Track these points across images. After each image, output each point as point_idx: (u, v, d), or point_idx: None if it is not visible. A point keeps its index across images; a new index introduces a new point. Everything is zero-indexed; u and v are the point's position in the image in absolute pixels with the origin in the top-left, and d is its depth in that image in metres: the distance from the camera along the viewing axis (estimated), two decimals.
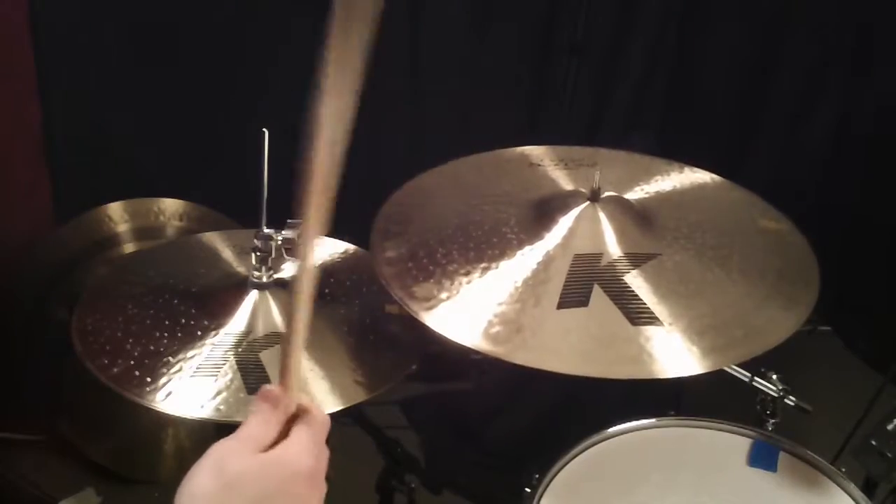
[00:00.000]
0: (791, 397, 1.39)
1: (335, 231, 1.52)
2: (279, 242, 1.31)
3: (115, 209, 2.07)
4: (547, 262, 1.29)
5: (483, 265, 1.29)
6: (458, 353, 1.18)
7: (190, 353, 1.25)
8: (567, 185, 1.48)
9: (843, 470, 1.29)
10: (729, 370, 1.39)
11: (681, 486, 1.27)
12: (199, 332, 1.28)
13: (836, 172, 2.59)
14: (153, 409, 1.17)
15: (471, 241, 1.33)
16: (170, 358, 1.24)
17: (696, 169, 1.55)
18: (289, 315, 0.73)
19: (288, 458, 0.69)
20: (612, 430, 1.34)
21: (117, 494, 2.04)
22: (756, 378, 1.40)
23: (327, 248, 1.50)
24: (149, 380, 1.20)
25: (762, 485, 1.28)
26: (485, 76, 2.38)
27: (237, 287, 1.35)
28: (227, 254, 1.47)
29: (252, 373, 1.22)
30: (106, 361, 1.23)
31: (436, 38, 2.32)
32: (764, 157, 2.57)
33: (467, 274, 1.27)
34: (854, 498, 1.25)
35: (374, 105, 2.41)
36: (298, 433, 0.71)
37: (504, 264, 1.29)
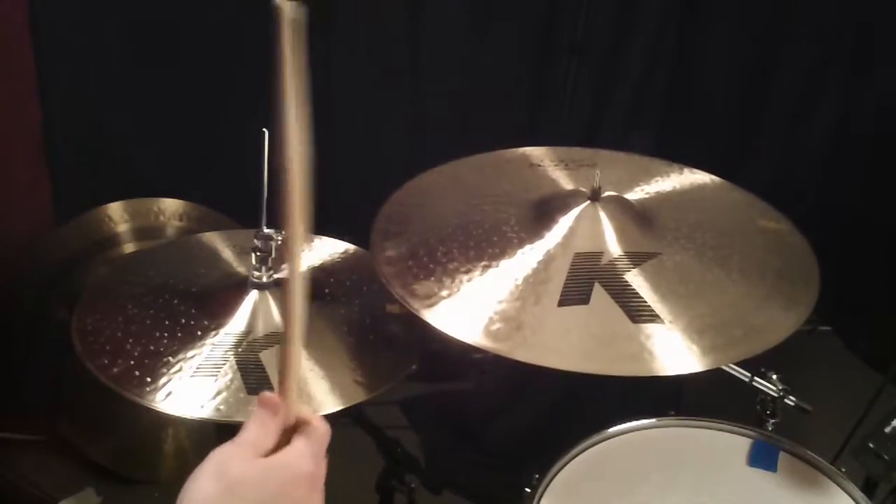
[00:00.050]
0: (791, 397, 1.39)
1: (335, 231, 1.53)
2: (279, 242, 1.31)
3: (115, 209, 2.07)
4: (547, 261, 1.29)
5: (483, 263, 1.29)
6: (458, 353, 1.18)
7: (190, 353, 1.25)
8: (567, 185, 1.48)
9: (843, 470, 1.29)
10: (729, 370, 1.39)
11: (681, 486, 1.27)
12: (199, 332, 1.28)
13: (836, 172, 2.59)
14: (153, 409, 1.17)
15: (471, 240, 1.34)
16: (170, 358, 1.24)
17: (695, 170, 1.55)
18: (284, 321, 0.74)
19: (288, 463, 0.70)
20: (612, 430, 1.34)
21: (117, 494, 2.04)
22: (756, 378, 1.40)
23: (327, 248, 1.50)
24: (149, 380, 1.20)
25: (762, 485, 1.28)
26: (485, 76, 2.38)
27: (237, 287, 1.35)
28: (227, 254, 1.47)
29: (252, 373, 1.22)
30: (106, 361, 1.23)
31: (436, 38, 2.33)
32: (764, 157, 2.57)
33: (468, 272, 1.27)
34: (854, 498, 1.25)
35: (374, 105, 2.42)
36: (299, 440, 0.72)
37: (504, 263, 1.29)
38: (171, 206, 2.10)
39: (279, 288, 1.35)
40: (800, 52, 2.45)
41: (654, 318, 1.20)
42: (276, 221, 1.33)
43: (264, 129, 1.27)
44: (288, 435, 0.73)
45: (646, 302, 1.22)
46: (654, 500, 1.25)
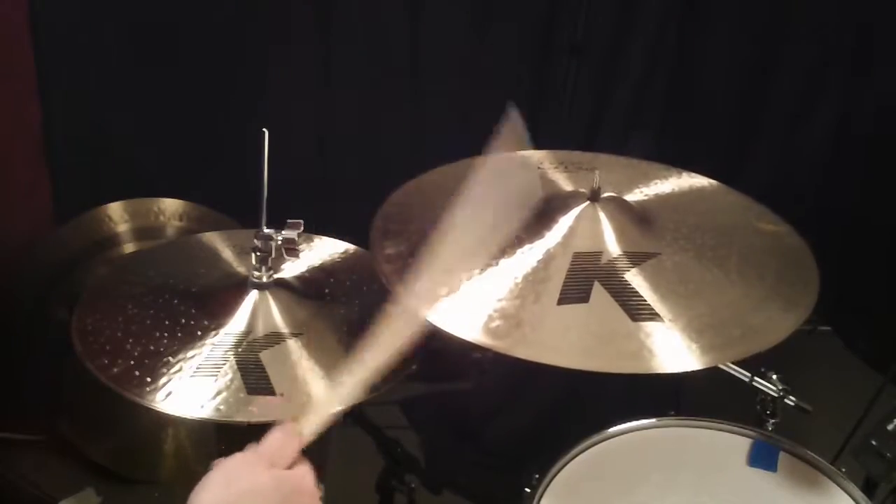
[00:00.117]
0: (791, 397, 1.39)
1: (335, 231, 1.53)
2: (279, 242, 1.31)
3: (115, 209, 2.07)
4: (547, 260, 1.29)
5: (483, 262, 1.29)
6: (458, 352, 1.18)
7: (190, 353, 1.25)
8: (566, 186, 1.48)
9: (843, 470, 1.29)
10: (729, 370, 1.39)
11: (681, 486, 1.27)
12: (199, 332, 1.28)
13: (836, 172, 2.59)
14: (153, 409, 1.17)
15: None
16: (170, 358, 1.24)
17: (693, 174, 1.55)
18: (345, 380, 0.85)
19: (297, 477, 0.76)
20: (612, 430, 1.34)
21: (117, 494, 2.03)
22: (756, 378, 1.40)
23: (327, 248, 1.50)
24: (149, 380, 1.20)
25: (762, 485, 1.28)
26: (485, 76, 2.38)
27: (237, 287, 1.35)
28: (227, 254, 1.47)
29: (252, 373, 1.22)
30: (106, 361, 1.23)
31: (436, 38, 2.33)
32: (764, 157, 2.57)
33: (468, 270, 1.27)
34: (854, 498, 1.26)
35: (374, 105, 2.42)
36: (304, 464, 0.79)
37: (504, 262, 1.29)
38: (171, 206, 2.10)
39: (279, 288, 1.35)
40: (800, 52, 2.45)
41: (653, 316, 1.20)
42: (276, 221, 1.33)
43: (264, 129, 1.27)
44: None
45: (645, 300, 1.22)
46: (654, 500, 1.25)
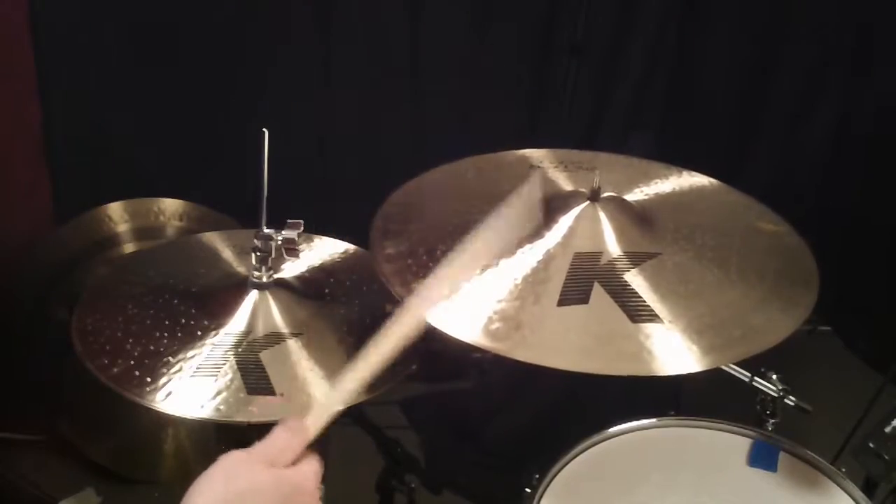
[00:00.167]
0: (791, 397, 1.39)
1: (335, 231, 1.53)
2: (279, 242, 1.31)
3: (115, 209, 2.07)
4: (547, 261, 1.29)
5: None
6: (458, 352, 1.18)
7: (190, 353, 1.25)
8: (566, 186, 1.48)
9: (843, 470, 1.29)
10: (729, 370, 1.39)
11: (681, 486, 1.27)
12: (199, 332, 1.28)
13: (836, 173, 2.59)
14: (153, 409, 1.17)
15: None
16: (170, 358, 1.24)
17: (693, 173, 1.55)
18: (350, 373, 0.81)
19: (297, 476, 0.74)
20: (612, 430, 1.34)
21: (117, 494, 2.04)
22: (756, 378, 1.40)
23: (327, 248, 1.50)
24: (149, 380, 1.20)
25: (762, 485, 1.28)
26: (485, 76, 2.38)
27: (237, 287, 1.35)
28: (227, 254, 1.47)
29: (252, 373, 1.22)
30: (106, 361, 1.23)
31: (436, 38, 2.33)
32: (764, 157, 2.57)
33: None
34: (854, 498, 1.25)
35: (374, 105, 2.42)
36: (306, 462, 0.76)
37: (504, 262, 1.29)
38: (171, 206, 2.10)
39: (279, 288, 1.35)
40: (800, 52, 2.45)
41: (653, 317, 1.20)
42: (276, 221, 1.33)
43: (264, 129, 1.27)
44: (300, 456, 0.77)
45: (645, 302, 1.22)
46: (654, 500, 1.25)
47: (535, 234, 1.31)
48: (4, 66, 2.01)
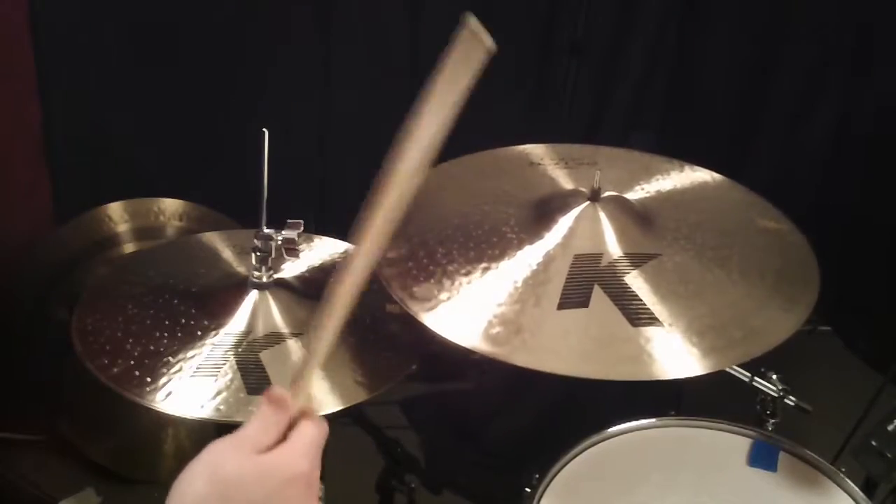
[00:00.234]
0: (791, 397, 1.39)
1: (335, 231, 1.53)
2: (279, 242, 1.31)
3: (115, 209, 2.07)
4: (547, 263, 1.29)
5: (483, 265, 1.29)
6: (458, 353, 1.18)
7: (190, 353, 1.25)
8: (567, 184, 1.48)
9: (843, 470, 1.29)
10: (729, 370, 1.39)
11: (681, 486, 1.27)
12: (199, 332, 1.28)
13: (836, 172, 2.59)
14: (153, 409, 1.17)
15: (471, 241, 1.33)
16: (170, 358, 1.24)
17: (696, 167, 1.55)
18: (316, 326, 0.72)
19: (284, 463, 0.67)
20: (612, 430, 1.34)
21: (117, 494, 2.03)
22: (756, 378, 1.40)
23: (327, 248, 1.50)
24: (149, 380, 1.20)
25: (762, 485, 1.28)
26: (485, 76, 2.38)
27: (237, 287, 1.35)
28: (227, 254, 1.47)
29: (252, 373, 1.22)
30: (106, 361, 1.23)
31: (436, 38, 2.32)
32: (764, 157, 2.57)
33: (467, 274, 1.27)
34: (854, 498, 1.25)
35: (375, 105, 2.41)
36: (297, 437, 0.69)
37: (504, 264, 1.29)
38: (171, 206, 2.10)
39: (279, 288, 1.35)
40: (800, 52, 2.45)
41: (653, 321, 1.20)
42: (276, 221, 1.33)
43: (264, 129, 1.27)
44: (288, 428, 0.70)
45: (645, 305, 1.22)
46: (654, 500, 1.25)
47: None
48: (4, 66, 2.01)
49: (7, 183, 2.07)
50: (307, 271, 1.44)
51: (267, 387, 0.71)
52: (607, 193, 1.39)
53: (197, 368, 1.22)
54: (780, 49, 2.45)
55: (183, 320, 1.31)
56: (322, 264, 1.47)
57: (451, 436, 2.31)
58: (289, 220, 1.32)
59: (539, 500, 1.22)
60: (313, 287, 1.41)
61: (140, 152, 2.26)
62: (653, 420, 1.36)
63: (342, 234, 1.53)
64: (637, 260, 1.29)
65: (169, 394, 1.19)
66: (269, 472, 0.66)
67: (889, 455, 1.23)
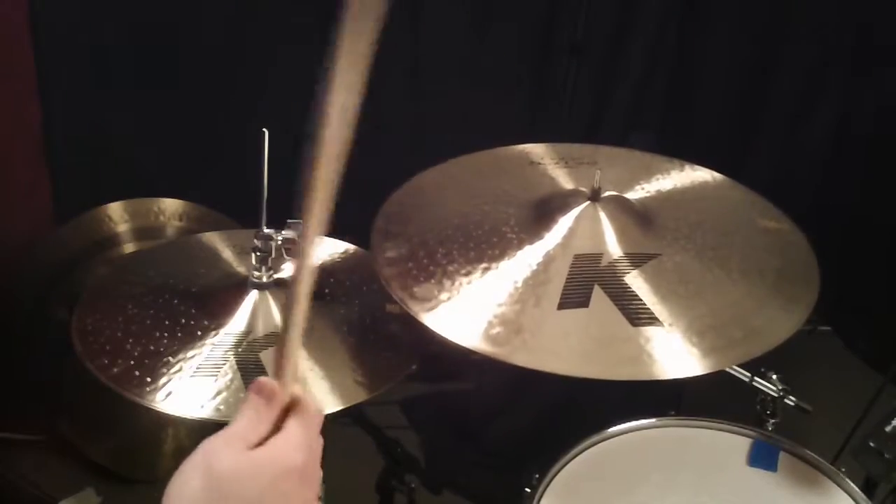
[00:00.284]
0: (791, 397, 1.39)
1: (335, 231, 1.53)
2: (279, 242, 1.31)
3: (115, 209, 2.07)
4: (547, 263, 1.29)
5: (483, 265, 1.29)
6: (458, 353, 1.18)
7: (190, 353, 1.25)
8: (567, 184, 1.48)
9: (843, 470, 1.29)
10: (729, 370, 1.39)
11: (681, 486, 1.27)
12: (199, 332, 1.28)
13: (836, 172, 2.59)
14: (153, 409, 1.17)
15: (471, 241, 1.33)
16: (170, 358, 1.24)
17: (696, 167, 1.55)
18: (286, 308, 0.71)
19: (278, 456, 0.66)
20: (612, 430, 1.34)
21: (117, 494, 2.04)
22: (756, 378, 1.40)
23: (327, 248, 1.50)
24: (149, 380, 1.20)
25: (762, 485, 1.28)
26: (485, 76, 2.38)
27: (237, 287, 1.35)
28: (227, 254, 1.47)
29: (252, 373, 1.22)
30: (106, 361, 1.23)
31: (436, 38, 2.32)
32: (764, 158, 2.57)
33: (467, 274, 1.27)
34: (854, 498, 1.26)
35: (374, 105, 2.41)
36: (290, 428, 0.68)
37: (504, 264, 1.29)
38: (171, 206, 2.10)
39: (279, 288, 1.35)
40: (800, 52, 2.45)
41: (653, 321, 1.20)
42: (276, 221, 1.33)
43: (264, 129, 1.27)
44: (281, 417, 0.69)
45: (645, 305, 1.22)
46: (654, 500, 1.25)
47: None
48: (4, 66, 2.01)
49: (7, 183, 2.07)
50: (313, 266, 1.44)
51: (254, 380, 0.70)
52: (607, 193, 1.39)
53: (197, 368, 1.22)
54: (780, 49, 2.45)
55: (183, 320, 1.31)
56: (322, 264, 1.47)
57: (451, 436, 2.31)
58: (289, 220, 1.32)
59: (539, 500, 1.22)
60: (313, 287, 1.40)
61: (140, 152, 2.26)
62: (653, 420, 1.36)
63: (342, 234, 1.53)
64: (637, 260, 1.29)
65: (169, 394, 1.19)
66: (262, 466, 0.65)
67: (888, 455, 1.23)
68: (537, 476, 1.25)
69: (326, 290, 1.41)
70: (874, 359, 2.47)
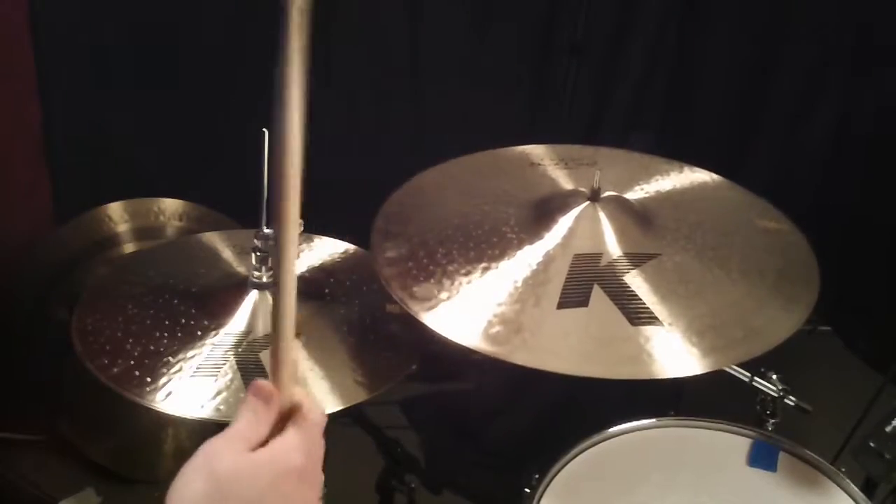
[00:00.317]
0: (791, 397, 1.39)
1: (335, 231, 1.53)
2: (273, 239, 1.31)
3: (115, 209, 2.07)
4: (547, 263, 1.29)
5: (483, 265, 1.29)
6: (458, 353, 1.18)
7: (190, 353, 1.25)
8: (567, 184, 1.48)
9: (843, 470, 1.29)
10: (729, 370, 1.39)
11: (681, 486, 1.27)
12: (199, 332, 1.28)
13: (836, 172, 2.59)
14: (153, 409, 1.17)
15: (471, 241, 1.34)
16: (170, 358, 1.24)
17: (695, 168, 1.55)
18: (275, 309, 0.71)
19: (278, 458, 0.67)
20: (612, 430, 1.34)
21: (117, 494, 2.04)
22: (756, 378, 1.40)
23: (327, 248, 1.50)
24: (149, 380, 1.20)
25: (762, 485, 1.28)
26: (485, 76, 2.38)
27: (237, 287, 1.35)
28: (227, 254, 1.47)
29: (252, 373, 1.22)
30: (106, 361, 1.23)
31: (436, 38, 2.32)
32: (764, 158, 2.57)
33: (467, 274, 1.27)
34: (854, 498, 1.26)
35: (375, 105, 2.41)
36: (289, 431, 0.69)
37: (504, 264, 1.29)
38: (171, 206, 2.10)
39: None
40: (800, 52, 2.45)
41: (653, 320, 1.20)
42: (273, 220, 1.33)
43: (264, 129, 1.27)
44: (282, 421, 0.70)
45: (645, 304, 1.22)
46: (654, 500, 1.25)
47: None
48: (4, 66, 2.01)
49: (7, 183, 2.07)
50: (307, 271, 1.44)
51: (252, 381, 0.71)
52: (607, 193, 1.39)
53: (197, 368, 1.22)
54: (780, 49, 2.45)
55: (183, 320, 1.31)
56: (322, 264, 1.47)
57: (451, 436, 2.31)
58: None
59: (539, 500, 1.22)
60: (313, 287, 1.41)
61: (140, 152, 2.26)
62: (653, 420, 1.36)
63: (342, 234, 1.53)
64: (637, 260, 1.29)
65: (169, 394, 1.19)
66: (262, 468, 0.66)
67: (888, 455, 1.23)
68: (537, 476, 1.25)
69: (326, 290, 1.41)
70: (874, 359, 2.47)
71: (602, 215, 1.35)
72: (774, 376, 1.40)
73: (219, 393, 1.19)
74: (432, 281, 1.26)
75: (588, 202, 1.36)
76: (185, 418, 1.19)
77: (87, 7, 2.10)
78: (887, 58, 2.44)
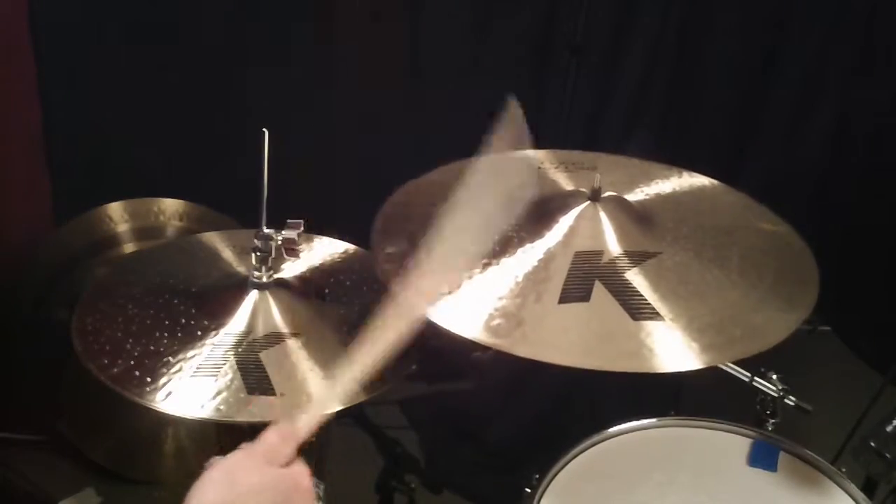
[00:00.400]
0: (791, 397, 1.39)
1: (335, 231, 1.53)
2: (279, 242, 1.31)
3: (115, 209, 2.07)
4: (548, 260, 1.29)
5: (484, 261, 1.29)
6: (458, 352, 1.18)
7: (190, 353, 1.25)
8: (567, 186, 1.48)
9: (843, 470, 1.29)
10: (729, 370, 1.39)
11: (680, 486, 1.27)
12: (199, 332, 1.28)
13: (836, 172, 2.59)
14: (153, 409, 1.17)
15: None
16: (170, 358, 1.24)
17: (694, 173, 1.55)
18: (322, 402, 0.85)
19: (297, 476, 0.77)
20: (612, 430, 1.34)
21: (117, 494, 2.04)
22: (756, 378, 1.40)
23: (327, 248, 1.50)
24: (149, 380, 1.20)
25: (762, 485, 1.28)
26: (485, 76, 2.38)
27: (237, 287, 1.35)
28: (227, 254, 1.47)
29: (252, 373, 1.22)
30: (106, 361, 1.23)
31: (436, 38, 2.33)
32: (764, 157, 2.57)
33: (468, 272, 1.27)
34: (854, 498, 1.26)
35: (375, 105, 2.41)
36: (299, 462, 0.79)
37: (505, 261, 1.29)
38: (171, 206, 2.10)
39: (279, 288, 1.35)
40: (800, 52, 2.45)
41: (654, 315, 1.20)
42: (276, 221, 1.33)
43: (264, 129, 1.27)
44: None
45: (646, 299, 1.22)
46: (654, 500, 1.25)
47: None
48: (4, 67, 2.01)
49: (7, 183, 2.07)
50: (307, 271, 1.44)
51: (274, 422, 0.82)
52: (607, 194, 1.39)
53: (197, 368, 1.22)
54: (780, 49, 2.46)
55: (183, 320, 1.31)
56: (322, 264, 1.47)
57: (451, 436, 2.31)
58: (289, 220, 1.32)
59: (539, 500, 1.22)
60: (313, 287, 1.41)
61: (140, 152, 2.26)
62: (652, 420, 1.36)
63: (342, 234, 1.53)
64: (637, 258, 1.29)
65: (169, 394, 1.19)
66: (284, 480, 0.76)
67: (888, 455, 1.23)
68: (537, 476, 1.25)
69: (326, 290, 1.41)
70: (874, 359, 2.47)
71: (602, 214, 1.35)
72: (774, 376, 1.40)
73: (219, 393, 1.19)
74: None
75: (588, 202, 1.37)
76: (185, 418, 1.19)
77: (87, 7, 2.10)
78: (887, 58, 2.44)
